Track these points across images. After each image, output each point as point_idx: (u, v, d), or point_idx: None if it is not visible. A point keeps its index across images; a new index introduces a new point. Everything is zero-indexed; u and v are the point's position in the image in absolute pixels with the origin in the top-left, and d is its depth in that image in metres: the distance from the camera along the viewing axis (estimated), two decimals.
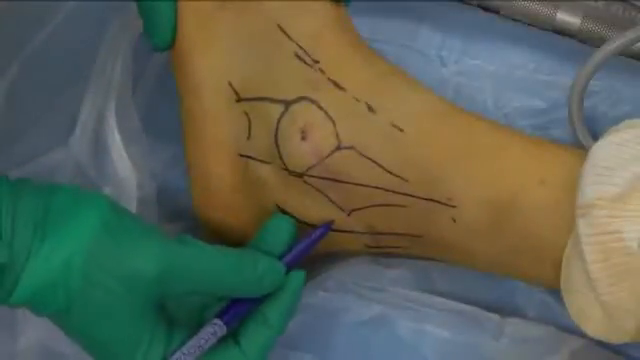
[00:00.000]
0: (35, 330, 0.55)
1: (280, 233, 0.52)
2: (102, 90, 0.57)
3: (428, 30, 0.62)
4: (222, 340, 0.50)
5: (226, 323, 0.49)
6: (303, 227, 0.55)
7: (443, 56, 0.62)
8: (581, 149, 0.54)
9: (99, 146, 0.57)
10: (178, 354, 0.48)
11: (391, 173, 0.53)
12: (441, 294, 0.56)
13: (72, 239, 0.45)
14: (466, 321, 0.55)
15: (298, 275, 0.51)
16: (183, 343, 0.48)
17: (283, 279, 0.51)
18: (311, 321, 0.54)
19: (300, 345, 0.54)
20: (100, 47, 0.58)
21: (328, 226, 0.53)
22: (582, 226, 0.49)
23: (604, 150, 0.50)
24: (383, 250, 0.56)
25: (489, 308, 0.56)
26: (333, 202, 0.54)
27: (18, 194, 0.46)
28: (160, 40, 0.53)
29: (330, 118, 0.53)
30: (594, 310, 0.50)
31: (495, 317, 0.55)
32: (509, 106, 0.61)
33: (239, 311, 0.50)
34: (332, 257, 0.57)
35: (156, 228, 0.49)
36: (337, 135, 0.53)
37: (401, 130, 0.53)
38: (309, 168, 0.53)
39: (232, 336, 0.50)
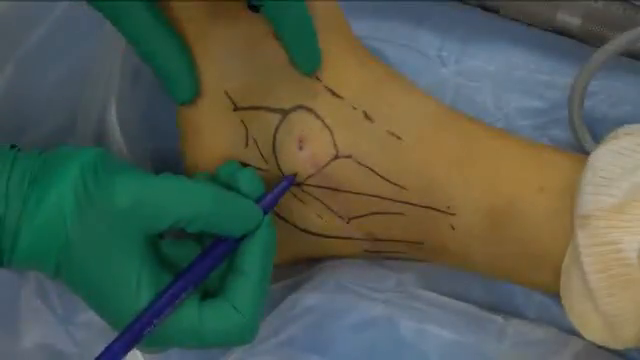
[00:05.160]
0: (38, 330, 0.55)
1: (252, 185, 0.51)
2: (102, 87, 0.57)
3: (428, 30, 0.62)
4: (211, 299, 0.49)
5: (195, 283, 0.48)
6: (303, 234, 0.55)
7: (443, 56, 0.62)
8: (578, 154, 0.54)
9: (99, 143, 0.57)
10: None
11: (389, 181, 0.52)
12: (442, 295, 0.56)
13: (58, 182, 0.46)
14: (469, 322, 0.54)
15: (268, 220, 0.50)
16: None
17: (260, 220, 0.50)
18: (314, 322, 0.54)
19: (304, 346, 0.54)
20: (98, 44, 0.58)
21: (293, 178, 0.52)
22: (581, 237, 0.49)
23: (602, 159, 0.50)
24: (382, 255, 0.56)
25: (489, 309, 0.56)
26: (332, 210, 0.54)
27: (17, 155, 0.47)
28: (186, 94, 0.52)
29: (327, 127, 0.52)
30: (594, 318, 0.50)
31: (498, 319, 0.55)
32: (509, 106, 0.61)
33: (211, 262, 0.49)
34: (331, 259, 0.57)
35: (138, 168, 0.49)
36: (335, 144, 0.52)
37: (398, 138, 0.52)
38: (307, 177, 0.53)
39: (220, 294, 0.49)
